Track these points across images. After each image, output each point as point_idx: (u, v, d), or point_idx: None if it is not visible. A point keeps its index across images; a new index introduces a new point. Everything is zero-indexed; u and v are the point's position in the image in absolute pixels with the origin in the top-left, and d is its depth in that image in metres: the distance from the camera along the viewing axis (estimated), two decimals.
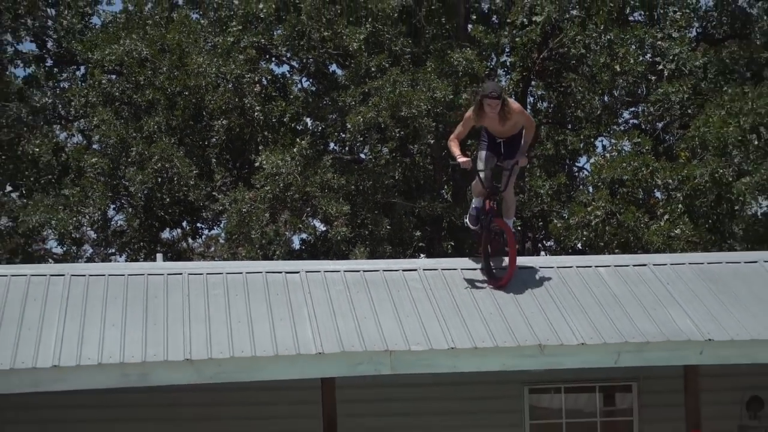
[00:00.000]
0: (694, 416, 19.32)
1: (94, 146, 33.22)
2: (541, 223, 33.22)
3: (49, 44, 35.11)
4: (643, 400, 20.92)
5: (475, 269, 21.79)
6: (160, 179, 30.28)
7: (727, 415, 20.35)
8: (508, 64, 33.54)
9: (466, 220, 20.31)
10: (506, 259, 18.98)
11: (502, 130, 20.00)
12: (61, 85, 35.52)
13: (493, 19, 34.24)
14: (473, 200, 21.03)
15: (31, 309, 20.12)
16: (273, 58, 33.08)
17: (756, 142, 28.36)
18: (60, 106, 35.17)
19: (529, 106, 33.51)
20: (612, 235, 28.82)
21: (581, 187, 34.57)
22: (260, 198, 29.41)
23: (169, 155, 30.32)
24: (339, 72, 32.92)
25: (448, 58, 30.81)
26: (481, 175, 20.32)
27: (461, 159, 19.89)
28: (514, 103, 20.70)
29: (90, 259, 32.41)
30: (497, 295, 20.72)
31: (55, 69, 35.77)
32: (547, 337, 19.04)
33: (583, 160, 36.98)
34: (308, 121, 33.25)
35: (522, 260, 21.42)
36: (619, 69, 30.13)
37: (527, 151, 21.25)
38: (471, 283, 21.01)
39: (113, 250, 33.60)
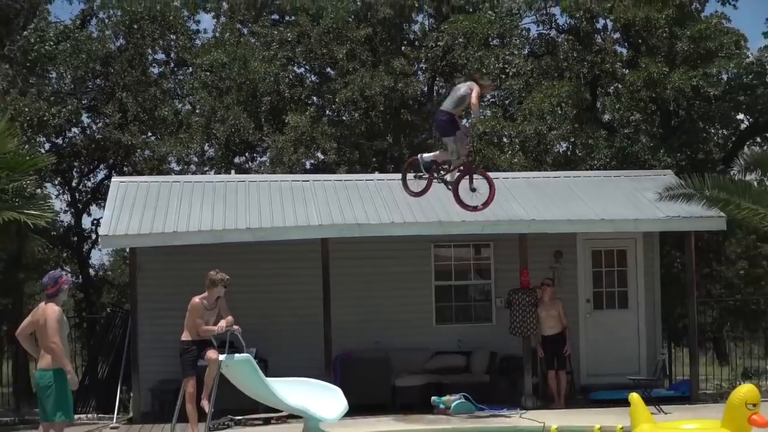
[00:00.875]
0: (524, 261, 19.35)
1: (196, 110, 33.09)
2: None
3: (172, 54, 34.87)
4: (496, 252, 20.86)
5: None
6: (233, 129, 30.20)
7: (543, 260, 20.34)
8: (423, 68, 33.23)
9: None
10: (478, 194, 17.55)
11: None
12: (178, 77, 35.29)
13: (416, 43, 33.98)
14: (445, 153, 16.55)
15: (162, 199, 20.18)
16: (295, 64, 32.88)
17: (560, 112, 28.36)
18: (177, 89, 35.00)
19: (434, 94, 33.46)
20: (479, 161, 28.72)
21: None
22: (288, 140, 29.38)
23: (238, 116, 30.20)
24: (331, 71, 32.76)
25: (391, 64, 30.70)
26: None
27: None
28: None
29: (194, 173, 32.25)
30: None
31: (175, 68, 35.49)
32: (444, 217, 19.08)
33: (464, 121, 36.72)
34: (314, 98, 33.10)
35: None
36: (485, 71, 29.94)
37: None
38: (403, 189, 20.96)
39: (207, 168, 33.43)
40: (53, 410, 11.88)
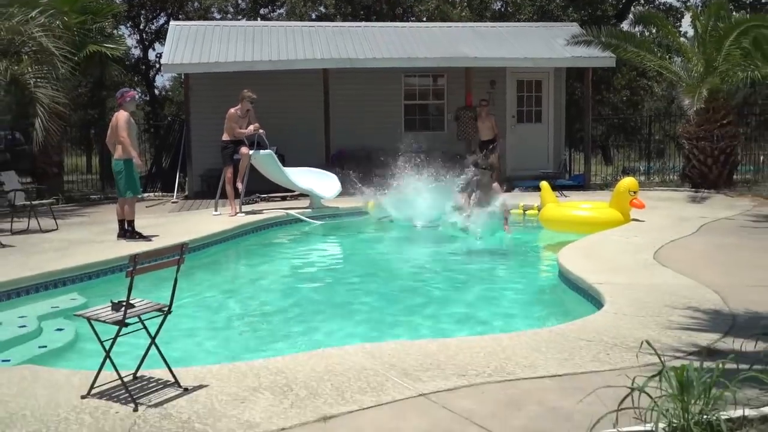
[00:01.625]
0: (468, 87, 19.20)
1: None
2: (410, 11, 32.22)
3: None
4: (448, 80, 20.65)
5: (383, 27, 21.24)
6: None
7: (482, 89, 20.17)
8: None
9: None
10: None
11: None
12: None
13: None
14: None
15: (207, 39, 19.76)
16: None
17: None
18: None
19: None
20: (437, 15, 28.11)
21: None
22: None
23: None
24: None
25: None
26: None
27: None
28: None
29: (230, 20, 31.57)
30: (395, 37, 20.21)
31: None
32: (412, 54, 18.80)
33: None
34: None
35: (403, 24, 20.89)
36: None
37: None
38: (383, 34, 20.55)
39: (240, 17, 32.70)
40: (124, 189, 12.01)
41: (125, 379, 5.37)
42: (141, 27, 34.13)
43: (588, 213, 13.52)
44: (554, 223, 13.59)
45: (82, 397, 5.27)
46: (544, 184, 14.30)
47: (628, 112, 33.43)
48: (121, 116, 11.87)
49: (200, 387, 5.41)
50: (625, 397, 4.42)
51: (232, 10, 33.30)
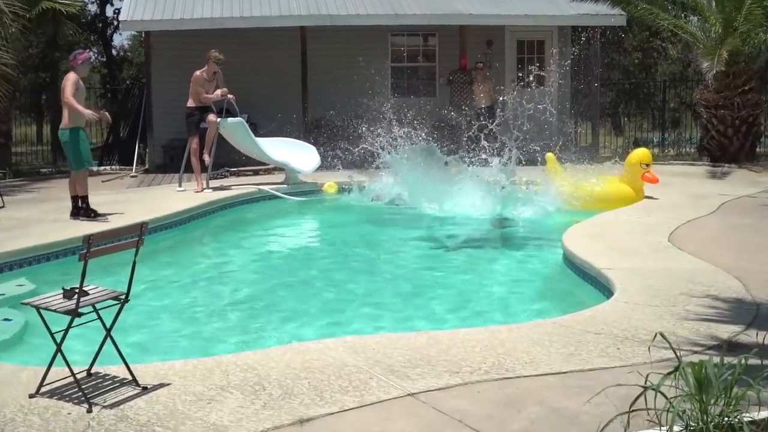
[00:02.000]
0: (463, 51, 19.14)
1: None
2: None
3: None
4: (440, 40, 20.59)
5: None
6: None
7: (478, 50, 20.06)
8: None
9: None
10: None
11: None
12: None
13: None
14: None
15: None
16: None
17: None
18: None
19: None
20: None
21: None
22: None
23: None
24: None
25: None
26: None
27: None
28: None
29: None
30: None
31: None
32: (399, 10, 18.72)
33: None
34: None
35: None
36: None
37: None
38: None
39: None
40: (74, 162, 11.95)
41: (78, 376, 5.31)
42: None
43: (594, 188, 13.47)
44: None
45: (31, 396, 5.22)
46: (550, 156, 14.29)
47: (640, 76, 33.41)
48: (69, 77, 11.81)
49: (161, 385, 5.36)
50: (638, 397, 4.39)
51: None
